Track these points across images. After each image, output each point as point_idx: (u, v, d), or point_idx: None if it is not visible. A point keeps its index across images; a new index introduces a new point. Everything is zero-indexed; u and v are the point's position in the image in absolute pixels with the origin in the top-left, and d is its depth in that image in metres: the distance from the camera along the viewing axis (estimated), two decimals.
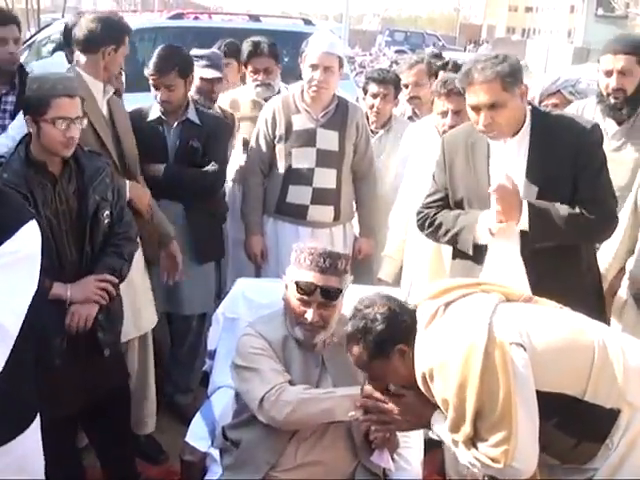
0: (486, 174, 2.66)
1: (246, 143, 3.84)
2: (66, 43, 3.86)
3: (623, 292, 2.92)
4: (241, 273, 3.58)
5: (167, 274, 3.33)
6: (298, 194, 3.57)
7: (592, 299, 2.68)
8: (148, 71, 3.42)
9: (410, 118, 4.27)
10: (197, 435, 2.63)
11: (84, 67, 3.00)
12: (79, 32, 3.01)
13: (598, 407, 1.94)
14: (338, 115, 3.58)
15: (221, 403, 2.74)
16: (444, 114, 3.30)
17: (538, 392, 1.90)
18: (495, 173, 2.63)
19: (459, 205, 2.75)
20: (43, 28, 8.61)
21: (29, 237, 1.75)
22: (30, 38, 7.80)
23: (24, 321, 1.74)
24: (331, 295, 2.37)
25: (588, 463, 2.00)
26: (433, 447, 2.80)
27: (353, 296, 2.42)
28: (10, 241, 1.70)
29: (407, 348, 2.04)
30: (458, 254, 2.78)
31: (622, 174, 3.07)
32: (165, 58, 3.40)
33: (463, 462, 2.01)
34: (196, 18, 7.60)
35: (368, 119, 3.94)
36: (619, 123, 3.27)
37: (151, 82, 3.44)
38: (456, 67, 4.15)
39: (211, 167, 3.44)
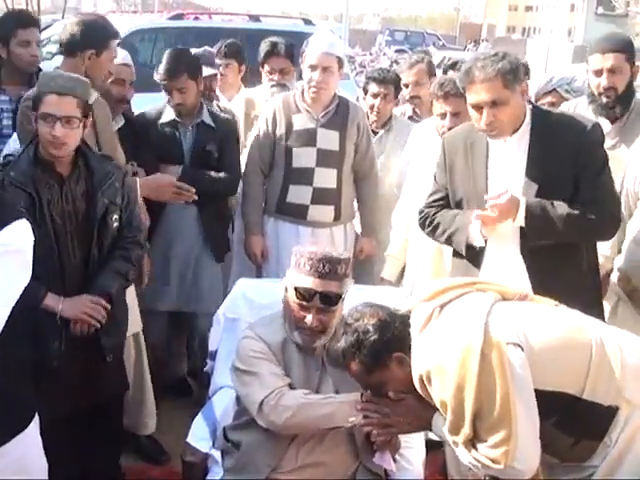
0: (484, 174, 2.65)
1: None
2: None
3: (613, 289, 2.94)
4: (245, 273, 3.58)
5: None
6: (298, 194, 3.56)
7: (591, 298, 2.68)
8: (158, 76, 3.44)
9: (410, 118, 4.25)
10: (198, 436, 2.62)
11: (64, 70, 2.98)
12: (62, 35, 3.02)
13: (596, 405, 1.93)
14: (339, 115, 3.57)
15: (222, 404, 2.74)
16: (443, 116, 3.30)
17: (536, 391, 1.89)
18: (493, 173, 2.63)
19: (459, 205, 2.75)
20: (43, 29, 8.58)
21: (20, 232, 1.76)
22: None
23: (19, 321, 1.74)
24: (331, 300, 2.34)
25: (587, 461, 2.00)
26: (434, 447, 2.81)
27: (354, 296, 2.42)
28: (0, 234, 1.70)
29: (403, 354, 2.03)
30: (458, 253, 2.78)
31: (617, 172, 3.06)
32: (175, 62, 3.42)
33: (464, 462, 2.01)
34: (196, 18, 7.62)
35: (368, 119, 3.93)
36: (612, 121, 3.25)
37: (162, 86, 3.46)
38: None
39: (227, 173, 3.50)
